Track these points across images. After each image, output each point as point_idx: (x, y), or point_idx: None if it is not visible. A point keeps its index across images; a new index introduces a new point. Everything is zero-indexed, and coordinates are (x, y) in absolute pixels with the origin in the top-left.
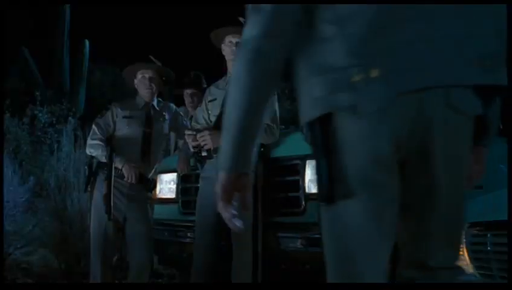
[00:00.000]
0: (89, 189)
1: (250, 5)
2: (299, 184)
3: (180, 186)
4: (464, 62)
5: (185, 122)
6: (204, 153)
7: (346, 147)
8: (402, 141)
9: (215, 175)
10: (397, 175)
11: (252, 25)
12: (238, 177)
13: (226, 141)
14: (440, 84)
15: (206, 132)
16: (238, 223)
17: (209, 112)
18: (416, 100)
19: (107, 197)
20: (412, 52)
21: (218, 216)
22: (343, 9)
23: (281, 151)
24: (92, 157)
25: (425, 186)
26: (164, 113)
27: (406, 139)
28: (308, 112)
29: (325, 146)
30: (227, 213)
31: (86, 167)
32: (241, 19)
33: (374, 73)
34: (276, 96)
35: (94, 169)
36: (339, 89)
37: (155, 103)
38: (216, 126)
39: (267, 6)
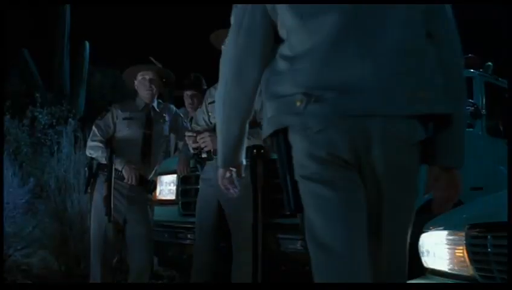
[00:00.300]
0: (89, 190)
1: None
2: None
3: (180, 188)
4: (400, 93)
5: (185, 123)
6: (204, 155)
7: (295, 156)
8: (343, 153)
9: (215, 177)
10: (355, 173)
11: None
12: (230, 169)
13: (218, 142)
14: (378, 113)
15: (206, 134)
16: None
17: (209, 113)
18: (356, 124)
19: (107, 199)
20: (355, 84)
21: (218, 218)
22: (298, 48)
23: None
24: (92, 158)
25: (374, 205)
26: (164, 114)
27: (347, 153)
28: (264, 129)
29: (286, 158)
30: (228, 193)
31: (86, 169)
32: None
33: (313, 100)
34: None
35: (94, 170)
36: (285, 112)
37: (155, 104)
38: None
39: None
